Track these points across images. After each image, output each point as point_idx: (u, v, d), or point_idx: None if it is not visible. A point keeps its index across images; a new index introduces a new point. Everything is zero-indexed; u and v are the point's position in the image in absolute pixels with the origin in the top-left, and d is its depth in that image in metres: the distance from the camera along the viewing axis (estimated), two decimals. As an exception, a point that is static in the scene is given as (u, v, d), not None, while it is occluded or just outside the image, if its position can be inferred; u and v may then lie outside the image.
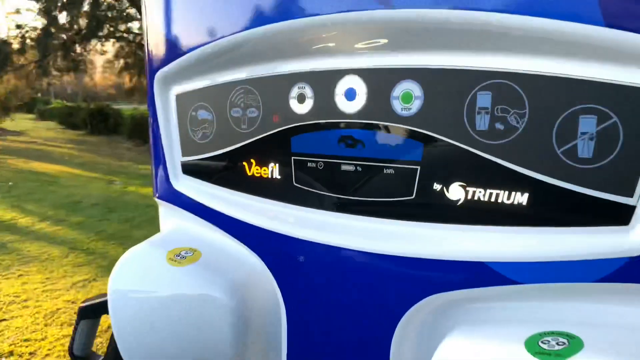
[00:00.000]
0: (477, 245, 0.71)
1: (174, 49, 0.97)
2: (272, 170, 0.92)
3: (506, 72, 0.67)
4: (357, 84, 0.79)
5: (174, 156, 1.06)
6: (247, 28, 0.85)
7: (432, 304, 0.74)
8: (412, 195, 0.76)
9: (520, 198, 0.68)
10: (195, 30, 0.93)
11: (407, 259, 0.75)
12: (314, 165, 0.86)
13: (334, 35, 0.79)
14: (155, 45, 1.01)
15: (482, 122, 0.69)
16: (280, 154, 0.90)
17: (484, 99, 0.69)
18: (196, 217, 1.03)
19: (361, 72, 0.79)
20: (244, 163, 0.95)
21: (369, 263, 0.79)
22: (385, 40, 0.75)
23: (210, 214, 0.99)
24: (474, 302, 0.72)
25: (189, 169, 1.04)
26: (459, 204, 0.72)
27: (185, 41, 0.95)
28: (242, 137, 0.94)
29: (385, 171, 0.79)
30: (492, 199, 0.70)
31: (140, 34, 14.04)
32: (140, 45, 14.45)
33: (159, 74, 1.01)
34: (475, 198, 0.71)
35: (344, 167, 0.83)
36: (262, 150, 0.93)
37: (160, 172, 1.08)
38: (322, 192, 0.86)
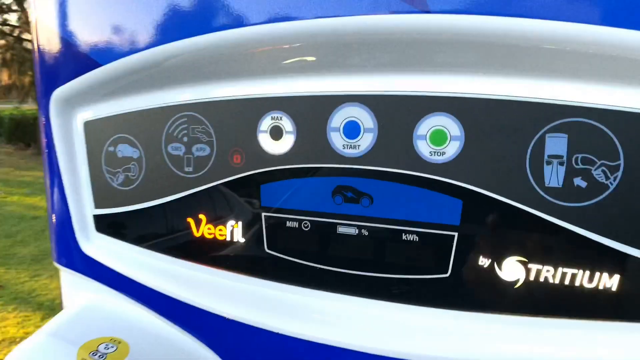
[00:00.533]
0: (546, 347, 0.51)
1: (81, 59, 0.67)
2: (232, 231, 0.66)
3: (590, 107, 0.47)
4: (361, 115, 0.56)
5: (83, 208, 0.75)
6: (196, 32, 0.58)
7: None
8: (446, 273, 0.55)
9: (609, 281, 0.49)
10: (116, 32, 0.64)
11: (443, 364, 0.54)
12: (295, 225, 0.62)
13: (328, 45, 0.55)
14: (50, 51, 0.70)
15: (554, 176, 0.49)
16: (245, 209, 0.65)
17: (556, 144, 0.49)
18: (117, 292, 0.73)
19: (367, 100, 0.56)
20: (190, 220, 0.68)
21: (385, 368, 0.56)
22: (408, 55, 0.53)
23: (139, 290, 0.71)
24: None
25: (106, 226, 0.75)
26: (517, 287, 0.52)
27: (99, 46, 0.66)
28: (186, 184, 0.67)
29: (405, 237, 0.56)
30: (567, 282, 0.50)
31: (20, 27, 12.62)
32: (20, 39, 12.98)
33: (57, 94, 0.71)
34: (541, 279, 0.51)
35: (341, 230, 0.59)
36: (216, 203, 0.66)
37: (62, 228, 0.77)
38: (308, 264, 0.61)
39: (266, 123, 0.61)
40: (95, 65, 0.66)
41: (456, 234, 0.54)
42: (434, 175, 0.54)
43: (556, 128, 0.49)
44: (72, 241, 0.76)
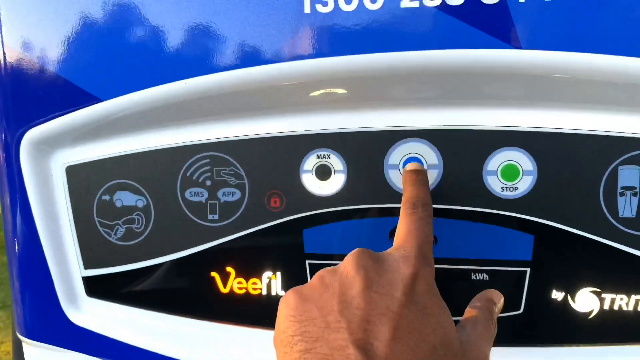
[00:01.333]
0: (623, 372, 0.52)
1: (72, 92, 0.56)
2: (269, 284, 0.59)
3: (660, 139, 0.49)
4: (424, 151, 0.54)
5: (68, 269, 0.63)
6: (224, 67, 0.51)
7: None
8: (519, 309, 0.54)
9: (680, 304, 0.51)
10: (127, 58, 0.54)
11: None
12: (346, 272, 0.57)
13: (380, 77, 0.52)
14: (25, 80, 0.58)
15: (628, 207, 0.50)
16: (285, 258, 0.59)
17: (629, 176, 0.50)
18: (122, 367, 0.63)
19: (431, 135, 0.53)
20: (214, 275, 0.60)
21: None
22: (477, 88, 0.51)
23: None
24: None
25: (102, 289, 0.63)
26: (591, 317, 0.53)
27: (100, 77, 0.56)
28: (210, 234, 0.59)
29: (474, 277, 0.55)
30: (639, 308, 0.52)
31: None
32: None
33: (32, 134, 0.58)
34: (615, 308, 0.52)
35: (401, 274, 0.56)
36: (247, 254, 0.59)
37: (36, 295, 0.64)
38: (365, 313, 0.57)
39: (310, 161, 0.56)
40: (92, 100, 0.55)
41: (528, 270, 0.54)
42: (506, 211, 0.53)
43: (629, 160, 0.50)
44: (54, 310, 0.63)
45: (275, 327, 0.38)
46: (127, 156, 0.59)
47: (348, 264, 0.39)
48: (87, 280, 0.63)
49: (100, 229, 0.61)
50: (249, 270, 0.59)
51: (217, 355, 0.59)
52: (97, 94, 0.56)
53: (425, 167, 0.53)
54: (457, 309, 0.53)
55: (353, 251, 0.41)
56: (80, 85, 0.56)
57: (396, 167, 0.54)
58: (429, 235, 0.45)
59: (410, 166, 0.53)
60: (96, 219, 0.61)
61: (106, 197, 0.61)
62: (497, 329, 0.44)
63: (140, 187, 0.60)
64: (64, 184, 0.61)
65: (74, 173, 0.61)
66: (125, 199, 0.60)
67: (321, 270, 0.42)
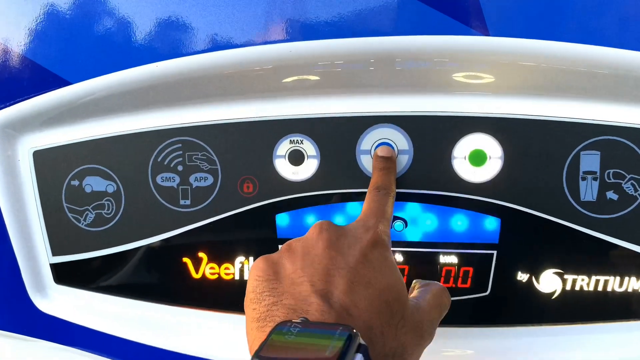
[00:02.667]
0: (582, 351, 0.56)
1: (39, 75, 0.56)
2: (242, 269, 0.60)
3: (620, 126, 0.52)
4: (395, 136, 0.55)
5: (35, 256, 0.63)
6: (195, 51, 0.52)
7: None
8: (486, 291, 0.57)
9: (636, 284, 0.55)
10: (99, 40, 0.54)
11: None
12: (319, 256, 0.58)
13: (358, 63, 0.53)
14: (-10, 64, 0.57)
15: (589, 191, 0.53)
16: (258, 243, 0.60)
17: (590, 161, 0.53)
18: (93, 354, 0.63)
19: (401, 121, 0.55)
20: (186, 260, 0.61)
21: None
22: (447, 75, 0.53)
23: (126, 348, 0.61)
24: None
25: (71, 276, 0.63)
26: (554, 298, 0.56)
27: (70, 59, 0.55)
28: (181, 220, 0.60)
29: (442, 260, 0.57)
30: (600, 288, 0.55)
31: None
32: None
33: (-1, 117, 0.58)
34: (577, 288, 0.56)
35: (372, 258, 0.58)
36: (220, 239, 0.60)
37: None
38: (337, 296, 0.59)
39: (284, 147, 0.57)
40: (61, 82, 0.55)
41: (495, 252, 0.56)
42: (473, 195, 0.55)
43: (590, 146, 0.53)
44: (21, 298, 0.63)
45: (246, 290, 0.40)
46: (97, 141, 0.59)
47: (312, 230, 0.43)
48: (55, 267, 0.63)
49: (69, 214, 0.61)
50: (221, 256, 0.60)
51: (190, 341, 0.60)
52: (66, 77, 0.55)
53: (396, 152, 0.55)
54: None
55: (316, 222, 0.44)
56: (48, 68, 0.56)
57: (368, 152, 0.56)
58: (389, 214, 0.49)
59: (380, 151, 0.54)
60: (65, 204, 0.61)
61: (75, 183, 0.61)
62: (450, 302, 0.46)
63: (110, 172, 0.60)
64: (31, 169, 0.61)
65: (42, 158, 0.61)
66: (94, 184, 0.60)
67: (288, 240, 0.44)
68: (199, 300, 0.61)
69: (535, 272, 0.56)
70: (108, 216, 0.61)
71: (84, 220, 0.61)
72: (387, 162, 0.54)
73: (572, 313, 0.56)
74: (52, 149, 0.60)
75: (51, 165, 0.61)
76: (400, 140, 0.55)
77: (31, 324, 0.64)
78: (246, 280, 0.58)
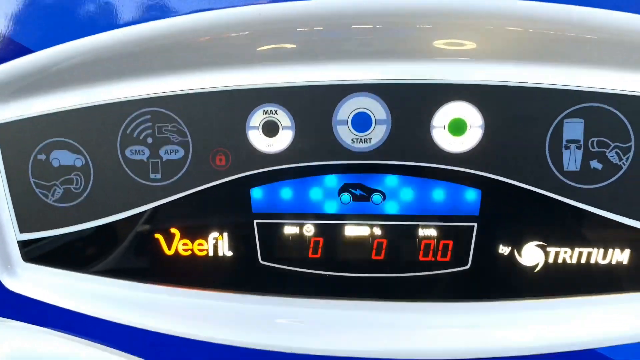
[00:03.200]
0: (564, 325, 0.54)
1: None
2: (215, 245, 0.59)
3: (604, 93, 0.51)
4: (372, 106, 0.54)
5: (2, 234, 0.61)
6: (165, 13, 0.50)
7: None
8: (466, 265, 0.55)
9: (620, 256, 0.53)
10: (60, 7, 0.52)
11: None
12: (295, 231, 0.57)
13: (331, 21, 0.51)
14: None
15: (572, 160, 0.52)
16: (232, 218, 0.58)
17: (574, 129, 0.52)
18: (64, 334, 0.61)
19: (379, 89, 0.53)
20: (158, 236, 0.59)
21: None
22: (424, 41, 0.51)
23: (97, 327, 0.60)
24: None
25: (39, 254, 0.62)
26: (536, 271, 0.55)
27: (31, 27, 0.53)
28: (153, 194, 0.58)
29: (421, 233, 0.55)
30: (583, 260, 0.54)
31: None
32: None
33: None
34: (559, 261, 0.54)
35: (350, 231, 0.56)
36: (192, 214, 0.58)
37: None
38: (314, 272, 0.57)
39: (257, 117, 0.55)
40: (23, 51, 0.53)
41: (476, 225, 0.55)
42: (453, 166, 0.53)
43: (573, 113, 0.51)
44: (-13, 277, 0.61)
45: None
46: (63, 113, 0.57)
47: None
48: (23, 245, 0.61)
49: (36, 190, 0.59)
50: (194, 232, 0.59)
51: (163, 319, 0.58)
52: (29, 45, 0.53)
53: (374, 122, 0.53)
54: (405, 267, 0.54)
55: None
56: (9, 36, 0.54)
57: (345, 122, 0.54)
58: None
59: None
60: (31, 179, 0.59)
61: (42, 157, 0.59)
62: None
63: (78, 146, 0.58)
64: (-5, 143, 0.59)
65: (6, 131, 0.59)
66: (62, 158, 0.58)
67: None
68: (172, 277, 0.60)
69: (517, 245, 0.54)
70: (77, 191, 0.59)
71: (52, 195, 0.59)
72: None
73: (554, 286, 0.55)
74: (17, 122, 0.58)
75: (16, 139, 0.59)
76: (377, 110, 0.53)
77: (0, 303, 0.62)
78: (221, 258, 0.57)
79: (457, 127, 0.52)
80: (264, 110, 0.55)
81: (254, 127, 0.55)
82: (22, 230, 0.61)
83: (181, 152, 0.56)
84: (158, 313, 0.59)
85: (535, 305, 0.55)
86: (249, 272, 0.58)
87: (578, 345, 0.53)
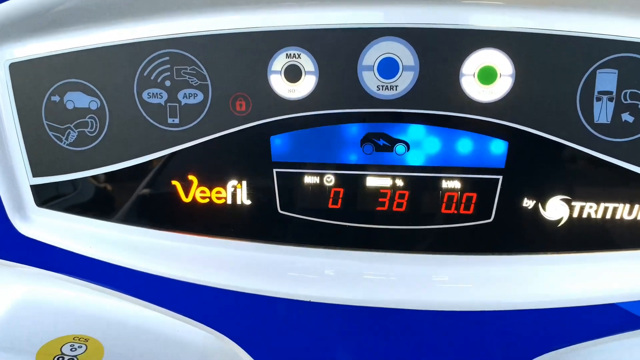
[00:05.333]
0: (586, 281, 0.55)
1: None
2: (234, 193, 0.58)
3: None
4: (400, 51, 0.53)
5: (14, 178, 0.61)
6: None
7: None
8: (489, 218, 0.55)
9: (646, 212, 0.53)
10: None
11: (488, 314, 0.55)
12: (315, 180, 0.57)
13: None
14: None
15: (603, 112, 0.51)
16: (251, 166, 0.58)
17: (607, 80, 0.51)
18: (78, 280, 0.61)
19: (407, 34, 0.52)
20: (176, 183, 0.59)
21: (428, 326, 0.56)
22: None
23: (113, 273, 0.60)
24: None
25: (53, 199, 0.61)
26: (560, 225, 0.55)
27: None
28: (171, 139, 0.57)
29: (444, 185, 0.55)
30: (608, 216, 0.54)
31: None
32: None
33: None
34: (584, 216, 0.54)
35: (372, 182, 0.56)
36: (210, 161, 0.58)
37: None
38: (334, 222, 0.57)
39: (279, 61, 0.54)
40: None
41: (501, 178, 0.54)
42: (480, 116, 0.53)
43: (607, 64, 0.50)
44: (0, 221, 0.61)
45: None
46: (78, 53, 0.56)
47: None
48: (36, 189, 0.61)
49: (49, 133, 0.59)
50: (212, 179, 0.58)
51: (179, 266, 0.59)
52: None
53: (401, 68, 0.52)
54: (426, 219, 0.54)
55: None
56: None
57: (370, 68, 0.53)
58: None
59: None
60: (45, 122, 0.58)
61: (56, 98, 0.58)
62: None
63: (93, 88, 0.57)
64: (8, 83, 0.58)
65: (20, 71, 0.58)
66: (77, 100, 0.57)
67: None
68: (190, 224, 0.60)
69: (542, 198, 0.54)
70: (92, 135, 0.58)
71: (66, 139, 0.59)
72: None
73: (578, 241, 0.55)
74: (31, 61, 0.57)
75: (30, 79, 0.58)
76: (405, 56, 0.52)
77: (12, 248, 0.62)
78: (239, 206, 0.57)
79: (487, 75, 0.52)
80: (287, 54, 0.54)
81: (275, 72, 0.54)
82: (35, 174, 0.61)
83: (200, 97, 0.56)
84: (173, 260, 0.59)
85: (557, 260, 0.55)
86: (268, 222, 0.58)
87: (599, 300, 0.53)
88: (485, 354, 0.55)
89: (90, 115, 0.58)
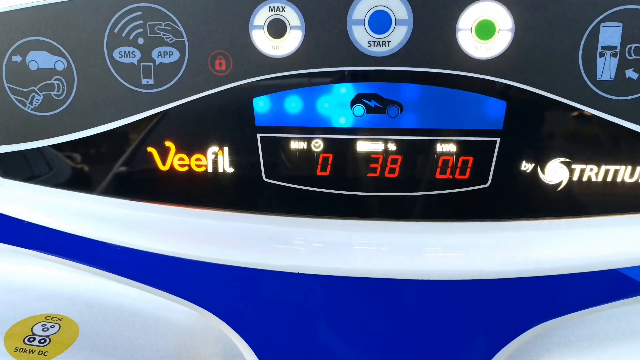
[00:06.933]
0: (587, 246, 0.53)
1: None
2: (215, 160, 0.55)
3: (647, -8, 0.47)
4: (392, 4, 0.49)
5: (-25, 146, 0.56)
6: None
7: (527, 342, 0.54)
8: (486, 183, 0.53)
9: (649, 174, 0.52)
10: None
11: (485, 283, 0.53)
12: (302, 146, 0.54)
13: None
14: None
15: (607, 69, 0.49)
16: (232, 131, 0.54)
17: (611, 34, 0.48)
18: (48, 256, 0.58)
19: (400, -15, 0.49)
20: (152, 150, 0.55)
21: (423, 296, 0.54)
22: None
23: (86, 248, 0.57)
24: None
25: (17, 168, 0.57)
26: (559, 190, 0.53)
27: None
28: (145, 102, 0.54)
29: (439, 149, 0.53)
30: (609, 179, 0.52)
31: None
32: None
33: None
34: (584, 179, 0.52)
35: (363, 147, 0.53)
36: (189, 126, 0.54)
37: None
38: (321, 190, 0.55)
39: (262, 15, 0.50)
40: None
41: (498, 140, 0.52)
42: (478, 73, 0.50)
43: (612, 17, 0.48)
44: (-39, 194, 0.57)
45: None
46: (41, 7, 0.52)
47: None
48: (1, 159, 0.57)
49: (11, 96, 0.54)
50: (191, 145, 0.55)
51: (156, 238, 0.55)
52: None
53: (393, 22, 0.49)
54: (420, 185, 0.52)
55: None
56: None
57: (361, 22, 0.50)
58: None
59: None
60: (6, 84, 0.54)
61: (17, 58, 0.53)
62: None
63: (59, 46, 0.53)
64: (-37, 41, 0.53)
65: (-25, 28, 0.53)
66: (41, 60, 0.53)
67: None
68: (168, 194, 0.56)
69: (541, 161, 0.52)
70: (58, 98, 0.54)
71: (31, 103, 0.54)
72: None
73: (578, 206, 0.53)
74: (-12, 17, 0.53)
75: (-13, 37, 0.53)
76: (398, 8, 0.49)
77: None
78: (221, 174, 0.54)
79: (485, 29, 0.49)
80: (270, 7, 0.50)
81: (258, 27, 0.51)
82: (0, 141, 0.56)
83: (176, 55, 0.52)
84: (151, 233, 0.56)
85: (556, 225, 0.54)
86: (252, 190, 0.55)
87: (600, 266, 0.51)
88: (484, 323, 0.53)
89: (56, 76, 0.53)
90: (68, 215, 0.57)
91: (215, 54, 0.52)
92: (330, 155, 0.54)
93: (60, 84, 0.53)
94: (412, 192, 0.54)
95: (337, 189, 0.55)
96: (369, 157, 0.54)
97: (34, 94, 0.54)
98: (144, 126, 0.54)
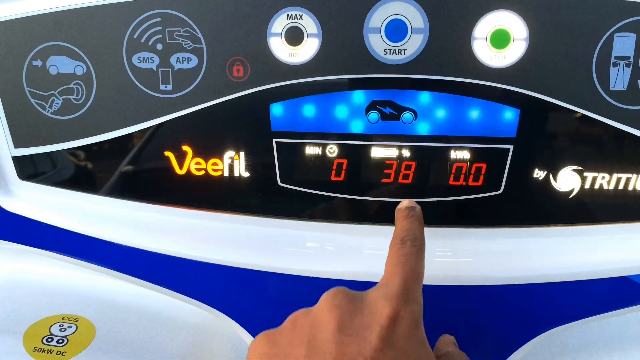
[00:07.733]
0: (599, 253, 0.54)
1: None
2: (231, 164, 0.56)
3: (661, 3, 0.48)
4: (409, 12, 0.50)
5: (-5, 148, 0.57)
6: None
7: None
8: (499, 189, 0.54)
9: (661, 182, 0.53)
10: None
11: (497, 289, 0.54)
12: (317, 151, 0.55)
13: None
14: None
15: (620, 79, 0.50)
16: (249, 136, 0.55)
17: (624, 44, 0.49)
18: (66, 257, 0.59)
19: (417, -6, 0.50)
20: (169, 154, 0.56)
21: (435, 302, 0.55)
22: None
23: (104, 250, 0.58)
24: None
25: (37, 171, 0.58)
26: (571, 197, 0.54)
27: None
28: (163, 107, 0.55)
29: (453, 155, 0.54)
30: (621, 187, 0.53)
31: None
32: None
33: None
34: (596, 187, 0.53)
35: (377, 153, 0.54)
36: (206, 130, 0.55)
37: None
38: (335, 195, 0.56)
39: (279, 23, 0.51)
40: None
41: (511, 148, 0.53)
42: (492, 82, 0.51)
43: (625, 27, 0.49)
44: (-20, 196, 0.58)
45: None
46: (62, 13, 0.53)
47: (322, 304, 0.36)
48: (18, 161, 0.58)
49: (31, 100, 0.55)
50: (208, 150, 0.56)
51: (171, 241, 0.57)
52: None
53: (410, 31, 0.50)
54: (434, 191, 0.53)
55: (329, 290, 0.38)
56: None
57: (377, 30, 0.51)
58: (417, 271, 0.41)
59: (403, 204, 0.49)
60: (26, 88, 0.55)
61: (37, 63, 0.54)
62: None
63: (78, 51, 0.54)
64: (-16, 45, 0.54)
65: (-3, 32, 0.54)
66: (61, 64, 0.54)
67: (296, 312, 0.38)
68: (184, 198, 0.57)
69: (553, 169, 0.53)
70: (77, 102, 0.55)
71: (50, 107, 0.56)
72: (412, 210, 0.48)
73: (589, 213, 0.54)
74: (10, 22, 0.54)
75: (9, 42, 0.54)
76: (415, 17, 0.50)
77: (-5, 224, 0.59)
78: (237, 179, 0.55)
79: (500, 38, 0.50)
80: (288, 15, 0.51)
81: (275, 34, 0.51)
82: (17, 145, 0.58)
83: (194, 61, 0.53)
84: (168, 235, 0.57)
85: (568, 232, 0.55)
86: (267, 195, 0.56)
87: (612, 273, 0.52)
88: (494, 328, 0.54)
89: (75, 81, 0.54)
90: (86, 217, 0.58)
91: (233, 61, 0.53)
92: (345, 161, 0.55)
93: (80, 89, 0.54)
94: (425, 198, 0.55)
95: (351, 194, 0.56)
96: (383, 163, 0.54)
97: (53, 97, 0.55)
98: (162, 131, 0.55)
